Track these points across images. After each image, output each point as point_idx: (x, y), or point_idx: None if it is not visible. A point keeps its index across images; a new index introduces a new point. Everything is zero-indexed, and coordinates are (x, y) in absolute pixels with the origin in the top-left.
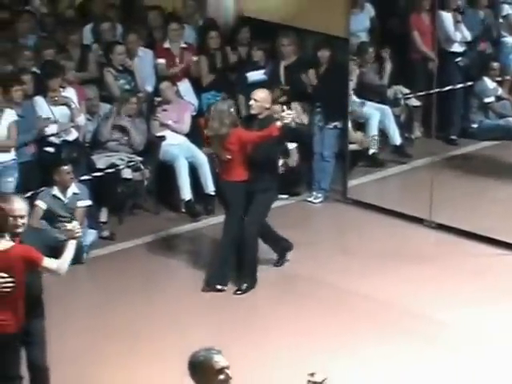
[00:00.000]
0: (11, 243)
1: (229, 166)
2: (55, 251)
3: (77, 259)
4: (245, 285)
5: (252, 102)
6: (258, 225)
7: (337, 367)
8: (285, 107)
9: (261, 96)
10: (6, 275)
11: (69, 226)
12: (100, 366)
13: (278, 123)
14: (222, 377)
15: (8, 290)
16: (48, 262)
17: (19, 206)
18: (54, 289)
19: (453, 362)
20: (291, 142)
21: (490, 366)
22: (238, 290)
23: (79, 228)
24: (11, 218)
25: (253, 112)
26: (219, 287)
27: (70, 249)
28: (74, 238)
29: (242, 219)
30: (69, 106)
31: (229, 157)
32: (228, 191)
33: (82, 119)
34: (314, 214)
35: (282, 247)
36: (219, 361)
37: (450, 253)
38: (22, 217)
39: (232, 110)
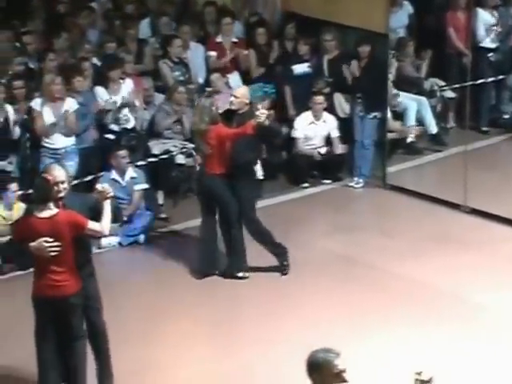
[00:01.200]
0: (56, 210)
1: (209, 159)
2: (95, 213)
3: (115, 219)
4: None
5: (232, 99)
6: (252, 220)
7: (373, 343)
8: (259, 106)
9: (241, 92)
10: (50, 240)
11: (99, 187)
12: (158, 344)
13: (253, 121)
14: (338, 380)
15: (54, 253)
16: (92, 224)
17: (59, 172)
18: (115, 267)
19: (488, 341)
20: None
21: None
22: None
23: (110, 189)
24: (55, 187)
25: (233, 108)
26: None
27: (107, 209)
28: (106, 199)
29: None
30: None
31: (209, 151)
32: (215, 183)
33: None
34: (355, 199)
35: (280, 254)
36: (338, 364)
37: (484, 237)
38: (62, 182)
39: (213, 107)
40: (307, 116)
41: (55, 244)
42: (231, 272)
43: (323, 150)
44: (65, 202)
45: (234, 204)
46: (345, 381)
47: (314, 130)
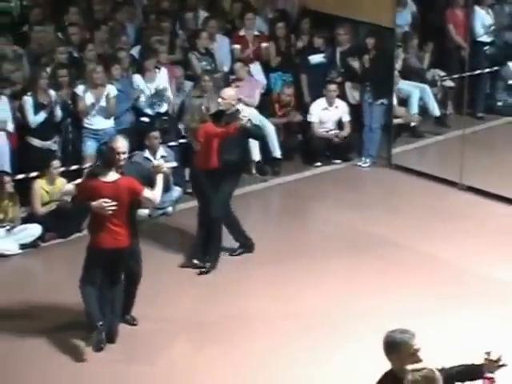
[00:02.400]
0: (118, 175)
1: (198, 155)
2: (148, 181)
3: (166, 189)
4: (208, 264)
5: (220, 100)
6: (222, 211)
7: (386, 310)
8: (242, 107)
9: (228, 94)
10: (109, 200)
11: (155, 162)
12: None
13: (237, 123)
14: (414, 359)
15: (110, 212)
16: (147, 192)
17: (122, 143)
18: (146, 236)
19: (489, 308)
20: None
21: None
22: (202, 269)
23: (164, 164)
24: (117, 155)
25: (221, 108)
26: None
27: (159, 181)
28: (160, 172)
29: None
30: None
31: (198, 147)
32: (200, 177)
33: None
34: (363, 177)
35: (244, 244)
36: (414, 344)
37: (479, 212)
38: (124, 153)
39: (203, 107)
40: (321, 102)
41: (113, 204)
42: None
43: (335, 133)
44: (123, 170)
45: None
46: (420, 360)
47: (327, 114)
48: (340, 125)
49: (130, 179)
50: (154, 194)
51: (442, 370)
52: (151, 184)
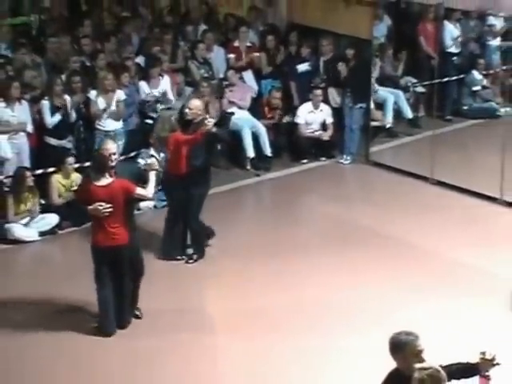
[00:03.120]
0: (111, 179)
1: (170, 161)
2: (140, 178)
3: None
4: (195, 256)
5: (187, 110)
6: (197, 216)
7: (366, 292)
8: (207, 115)
9: (194, 105)
10: (104, 204)
11: (149, 160)
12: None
13: (202, 129)
14: (418, 359)
15: (107, 214)
16: (139, 190)
17: (112, 146)
18: (151, 225)
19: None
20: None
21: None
22: (189, 259)
23: (156, 162)
24: (109, 158)
25: (188, 118)
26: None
27: (152, 178)
28: (153, 170)
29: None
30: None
31: (169, 155)
32: (170, 183)
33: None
34: (344, 173)
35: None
36: (419, 345)
37: (447, 203)
38: (114, 154)
39: (173, 118)
40: (307, 106)
41: (108, 206)
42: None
43: (319, 134)
44: (116, 170)
45: (177, 207)
46: (423, 360)
47: (312, 117)
48: (324, 126)
49: (123, 181)
50: (147, 190)
51: (442, 368)
52: (144, 180)
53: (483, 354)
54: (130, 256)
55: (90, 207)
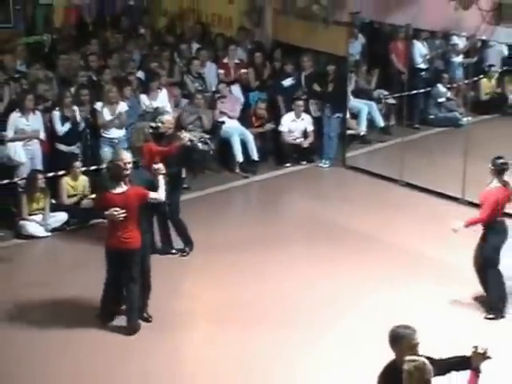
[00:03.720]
0: (126, 187)
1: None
2: (151, 183)
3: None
4: (187, 248)
5: (159, 124)
6: (176, 213)
7: (337, 282)
8: (183, 130)
9: (166, 119)
10: (119, 209)
11: (156, 166)
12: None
13: (178, 143)
14: (413, 351)
15: (121, 219)
16: (152, 194)
17: (126, 156)
18: None
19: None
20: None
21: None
22: (183, 253)
23: (163, 167)
24: (124, 167)
25: (161, 131)
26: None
27: (161, 182)
28: (160, 175)
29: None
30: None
31: (143, 163)
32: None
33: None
34: (323, 175)
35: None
36: (415, 339)
37: (415, 203)
38: (129, 163)
39: (146, 129)
40: (290, 115)
41: (123, 211)
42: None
43: (301, 140)
44: (130, 177)
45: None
46: (418, 353)
47: (295, 125)
48: (305, 133)
49: (136, 188)
50: (159, 193)
51: (434, 362)
52: (154, 185)
53: (475, 348)
54: (142, 262)
55: (107, 212)
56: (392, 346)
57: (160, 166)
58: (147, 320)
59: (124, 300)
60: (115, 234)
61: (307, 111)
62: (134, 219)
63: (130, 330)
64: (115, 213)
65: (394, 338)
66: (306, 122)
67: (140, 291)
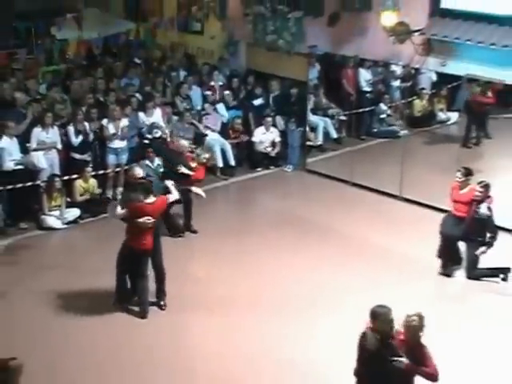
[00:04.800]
0: (154, 198)
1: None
2: (164, 187)
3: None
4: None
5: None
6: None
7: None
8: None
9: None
10: (149, 217)
11: (167, 182)
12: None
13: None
14: (390, 325)
15: (150, 226)
16: (170, 198)
17: (140, 171)
18: None
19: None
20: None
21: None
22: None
23: (173, 183)
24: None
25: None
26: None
27: (170, 186)
28: (167, 179)
29: None
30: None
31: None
32: None
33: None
34: (288, 178)
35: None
36: (391, 315)
37: (362, 199)
38: (142, 178)
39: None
40: (261, 129)
41: (151, 219)
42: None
43: (270, 149)
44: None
45: None
46: (394, 326)
47: (265, 137)
48: (273, 144)
49: (162, 197)
50: (174, 194)
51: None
52: (168, 189)
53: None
54: (154, 258)
55: (140, 220)
56: (373, 321)
57: (171, 182)
58: (161, 308)
59: (135, 291)
60: (137, 237)
61: (275, 125)
62: (154, 226)
63: (141, 314)
64: (147, 221)
65: (374, 315)
66: (274, 135)
67: (156, 283)
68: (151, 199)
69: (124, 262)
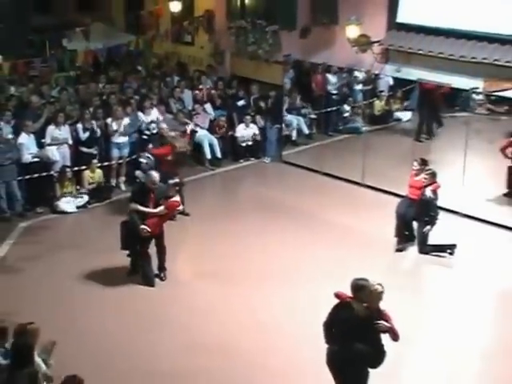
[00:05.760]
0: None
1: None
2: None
3: None
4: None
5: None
6: None
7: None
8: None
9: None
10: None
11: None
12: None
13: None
14: (372, 296)
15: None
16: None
17: (156, 177)
18: None
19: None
20: None
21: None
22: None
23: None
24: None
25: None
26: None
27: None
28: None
29: None
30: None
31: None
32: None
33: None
34: (266, 168)
35: None
36: (370, 286)
37: (330, 186)
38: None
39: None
40: (242, 125)
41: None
42: None
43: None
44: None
45: None
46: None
47: (246, 132)
48: (253, 138)
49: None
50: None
51: None
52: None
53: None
54: (159, 241)
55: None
56: (355, 292)
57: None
58: (161, 279)
59: (143, 265)
60: (155, 224)
61: (255, 123)
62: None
63: (149, 283)
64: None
65: (356, 287)
66: (253, 130)
67: (159, 259)
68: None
69: (146, 245)
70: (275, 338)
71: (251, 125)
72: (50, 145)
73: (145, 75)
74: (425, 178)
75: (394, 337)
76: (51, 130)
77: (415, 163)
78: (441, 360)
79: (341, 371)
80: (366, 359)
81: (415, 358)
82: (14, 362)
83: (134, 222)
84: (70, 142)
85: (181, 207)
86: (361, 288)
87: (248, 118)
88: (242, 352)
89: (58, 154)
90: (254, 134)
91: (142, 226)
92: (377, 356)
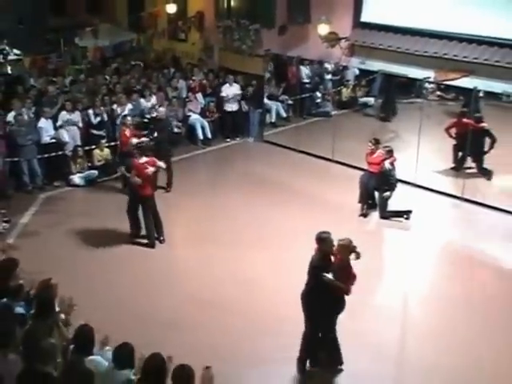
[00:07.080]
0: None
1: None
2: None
3: None
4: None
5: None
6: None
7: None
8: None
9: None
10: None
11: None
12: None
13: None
14: (333, 247)
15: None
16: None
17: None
18: None
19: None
20: None
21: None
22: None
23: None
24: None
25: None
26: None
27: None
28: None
29: None
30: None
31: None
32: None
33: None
34: (250, 147)
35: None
36: (332, 240)
37: (305, 162)
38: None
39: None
40: (226, 85)
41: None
42: None
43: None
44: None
45: None
46: (333, 247)
47: (230, 90)
48: (237, 100)
49: (152, 159)
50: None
51: None
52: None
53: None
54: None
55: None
56: (319, 243)
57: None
58: (160, 241)
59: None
60: (141, 187)
61: (237, 82)
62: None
63: (150, 245)
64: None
65: (320, 239)
66: (235, 89)
67: (156, 225)
68: (143, 159)
69: (134, 208)
70: (261, 290)
71: (234, 84)
72: (61, 126)
73: (145, 68)
74: (382, 153)
75: (342, 291)
76: (64, 115)
77: (370, 143)
78: (395, 303)
79: (304, 306)
80: (313, 299)
81: (374, 303)
82: (38, 312)
83: (127, 177)
84: (81, 125)
85: (161, 163)
86: (321, 240)
87: (231, 77)
88: (232, 304)
89: (67, 136)
90: (236, 92)
91: (135, 178)
92: (325, 297)
